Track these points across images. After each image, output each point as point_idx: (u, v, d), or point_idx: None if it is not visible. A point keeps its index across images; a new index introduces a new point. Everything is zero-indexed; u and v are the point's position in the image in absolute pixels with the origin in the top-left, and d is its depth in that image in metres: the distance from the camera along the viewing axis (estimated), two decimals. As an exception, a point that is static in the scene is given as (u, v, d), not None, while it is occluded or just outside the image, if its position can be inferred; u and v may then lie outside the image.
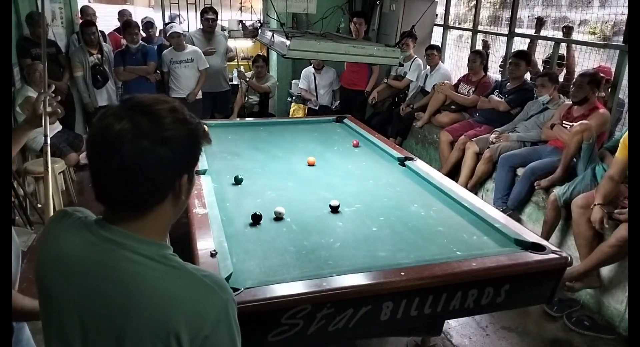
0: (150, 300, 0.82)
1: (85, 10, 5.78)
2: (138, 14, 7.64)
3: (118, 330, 0.83)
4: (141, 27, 5.80)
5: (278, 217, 2.16)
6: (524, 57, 4.16)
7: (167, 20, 6.31)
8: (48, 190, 2.30)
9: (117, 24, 6.15)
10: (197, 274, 0.87)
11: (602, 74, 3.46)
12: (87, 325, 0.86)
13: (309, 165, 2.91)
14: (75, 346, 0.87)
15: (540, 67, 4.67)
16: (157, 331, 0.81)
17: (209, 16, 5.11)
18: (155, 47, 5.20)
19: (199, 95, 5.08)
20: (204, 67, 4.95)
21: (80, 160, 4.42)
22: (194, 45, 5.09)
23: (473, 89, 4.60)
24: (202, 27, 5.26)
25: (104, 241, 0.87)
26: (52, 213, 2.22)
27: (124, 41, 5.37)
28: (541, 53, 4.90)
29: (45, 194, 2.37)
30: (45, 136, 2.16)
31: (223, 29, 6.18)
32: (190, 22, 6.70)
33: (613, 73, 3.60)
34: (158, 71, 5.00)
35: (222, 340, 0.85)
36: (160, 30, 6.16)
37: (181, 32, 4.98)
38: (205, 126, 0.93)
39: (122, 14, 6.10)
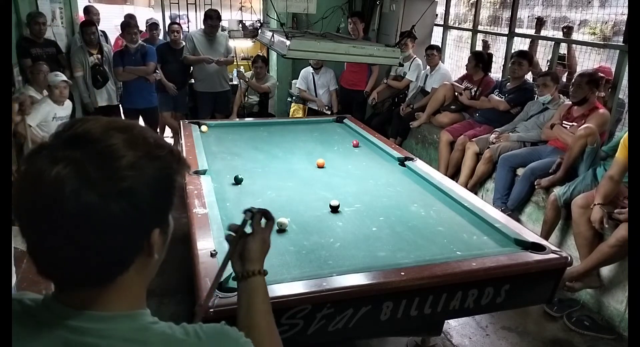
0: None
1: (89, 9, 5.78)
2: (138, 15, 7.65)
3: None
4: (145, 28, 5.80)
5: (281, 230, 2.06)
6: (527, 57, 4.16)
7: (168, 21, 6.29)
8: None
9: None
10: (188, 340, 0.66)
11: (602, 74, 3.46)
12: None
13: (319, 167, 2.89)
14: None
15: (544, 67, 4.67)
16: None
17: (212, 22, 5.01)
18: (155, 48, 5.19)
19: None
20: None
21: None
22: (194, 45, 5.06)
23: (475, 87, 4.59)
24: (203, 28, 5.21)
25: (64, 331, 0.63)
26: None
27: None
28: (542, 53, 4.89)
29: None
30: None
31: (223, 29, 6.18)
32: (193, 24, 6.66)
33: (613, 73, 3.60)
34: (158, 71, 4.99)
35: None
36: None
37: (65, 79, 3.81)
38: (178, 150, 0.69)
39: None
